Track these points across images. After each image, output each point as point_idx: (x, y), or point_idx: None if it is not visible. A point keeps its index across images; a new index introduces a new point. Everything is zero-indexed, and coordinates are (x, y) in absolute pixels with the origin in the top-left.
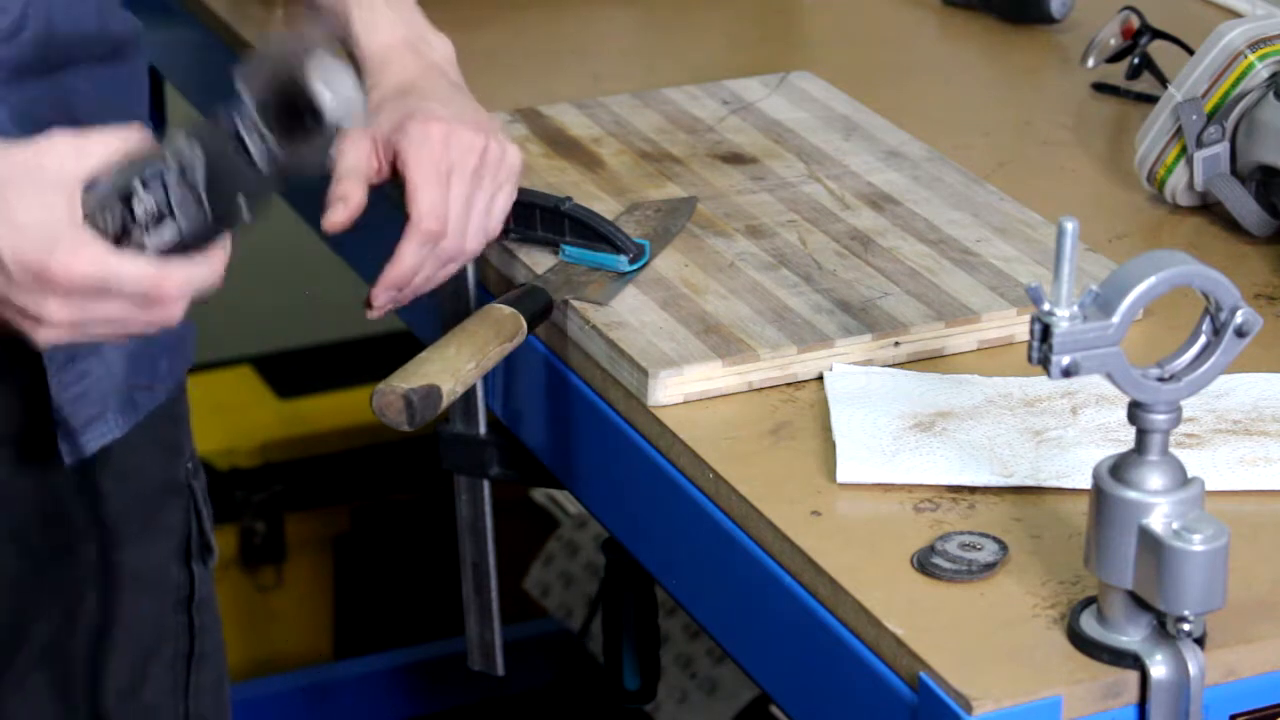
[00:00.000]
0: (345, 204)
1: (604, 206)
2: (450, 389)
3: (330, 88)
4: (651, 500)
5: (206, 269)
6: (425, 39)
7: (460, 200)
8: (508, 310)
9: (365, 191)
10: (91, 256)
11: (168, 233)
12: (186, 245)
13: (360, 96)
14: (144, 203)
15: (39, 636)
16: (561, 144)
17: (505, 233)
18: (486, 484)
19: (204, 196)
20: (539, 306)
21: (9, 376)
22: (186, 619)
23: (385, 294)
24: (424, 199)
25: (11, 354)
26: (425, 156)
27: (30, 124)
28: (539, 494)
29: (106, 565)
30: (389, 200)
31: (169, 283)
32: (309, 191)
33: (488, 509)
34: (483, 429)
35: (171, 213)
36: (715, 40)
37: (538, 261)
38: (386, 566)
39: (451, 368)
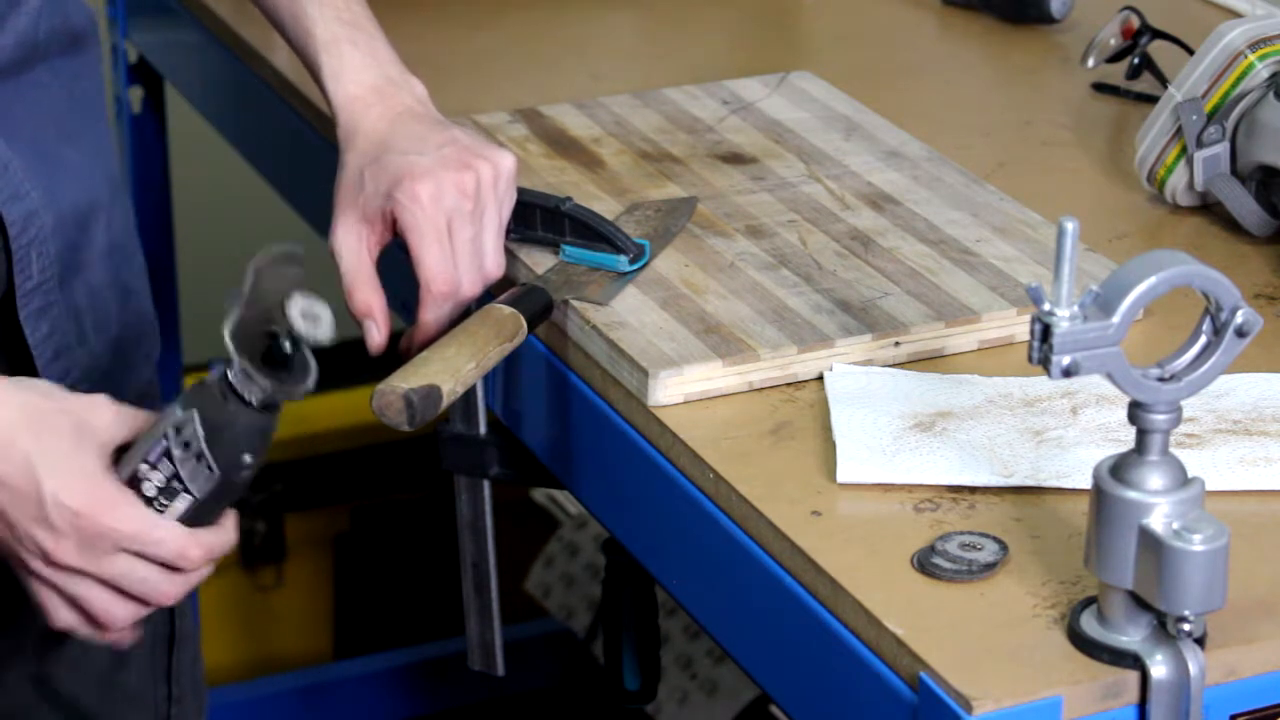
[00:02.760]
0: (374, 321)
1: (604, 206)
2: (450, 389)
3: (310, 321)
4: (651, 500)
5: (225, 536)
6: (393, 80)
7: (465, 246)
8: (508, 310)
9: (379, 288)
10: (133, 514)
11: (181, 504)
12: (201, 511)
13: (332, 318)
14: (152, 482)
15: (16, 625)
16: (561, 144)
17: (506, 233)
18: (486, 484)
19: (208, 455)
20: (539, 306)
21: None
22: None
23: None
24: (428, 263)
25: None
26: (420, 219)
27: (7, 124)
28: (539, 494)
29: None
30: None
31: (195, 550)
32: (309, 191)
33: (488, 509)
34: (483, 429)
35: (183, 484)
36: (715, 40)
37: (538, 261)
38: (386, 566)
39: (451, 368)
